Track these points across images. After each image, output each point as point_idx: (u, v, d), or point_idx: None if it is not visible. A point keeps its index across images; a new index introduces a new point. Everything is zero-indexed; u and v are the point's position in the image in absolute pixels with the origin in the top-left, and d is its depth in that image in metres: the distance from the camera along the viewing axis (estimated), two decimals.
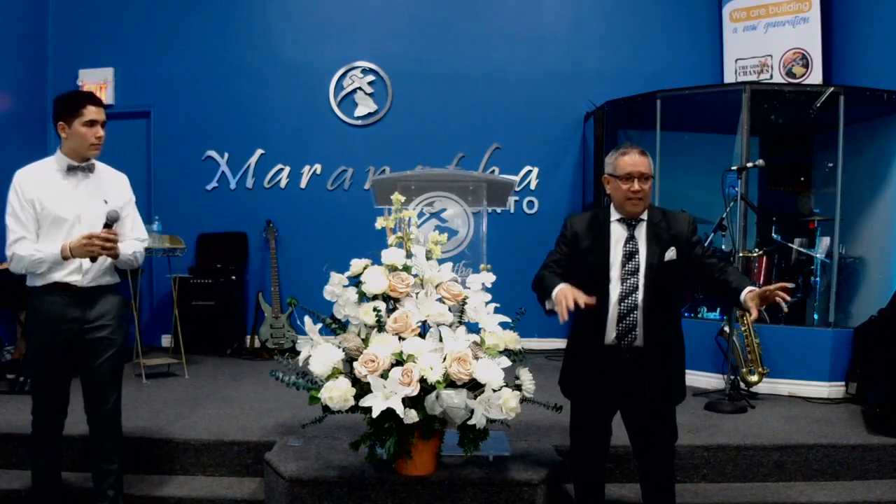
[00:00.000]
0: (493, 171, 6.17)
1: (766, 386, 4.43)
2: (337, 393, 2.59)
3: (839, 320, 4.85)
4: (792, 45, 5.88)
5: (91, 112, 2.70)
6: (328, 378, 2.65)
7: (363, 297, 2.78)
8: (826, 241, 5.24)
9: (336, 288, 2.82)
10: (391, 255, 2.80)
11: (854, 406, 4.22)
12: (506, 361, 2.71)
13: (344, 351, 2.70)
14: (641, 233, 2.63)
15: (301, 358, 2.76)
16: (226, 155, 6.20)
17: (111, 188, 2.83)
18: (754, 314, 2.48)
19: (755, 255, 5.11)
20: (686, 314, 5.24)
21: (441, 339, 2.66)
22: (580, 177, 6.32)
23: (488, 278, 2.87)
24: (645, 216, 2.65)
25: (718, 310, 5.22)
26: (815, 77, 5.79)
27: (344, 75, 6.24)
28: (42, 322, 2.70)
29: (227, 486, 3.21)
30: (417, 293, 2.79)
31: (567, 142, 6.34)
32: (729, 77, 6.14)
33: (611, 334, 2.58)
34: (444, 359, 2.61)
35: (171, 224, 5.58)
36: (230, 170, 6.19)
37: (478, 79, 6.23)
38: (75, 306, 2.71)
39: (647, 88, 5.29)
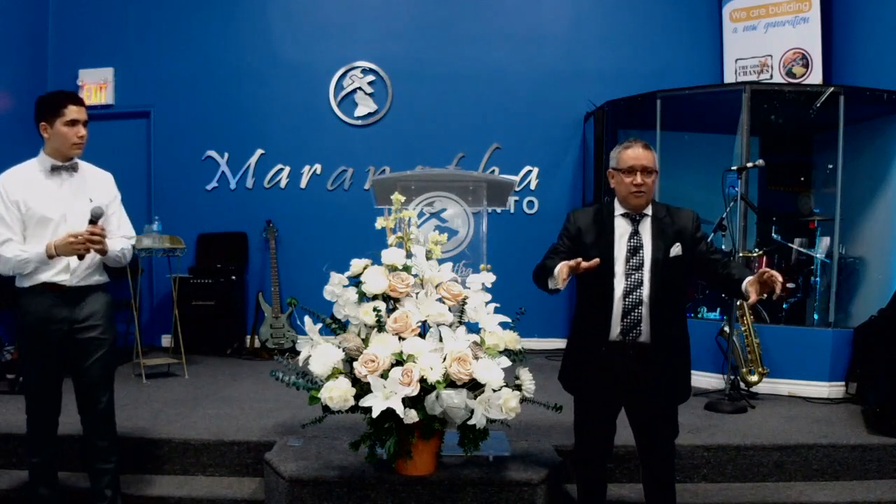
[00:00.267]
0: (493, 171, 6.17)
1: (766, 386, 4.43)
2: (337, 393, 2.59)
3: (839, 320, 4.85)
4: (792, 45, 5.88)
5: (72, 111, 2.69)
6: (328, 378, 2.65)
7: (363, 297, 2.78)
8: (826, 241, 5.24)
9: (336, 288, 2.82)
10: (391, 255, 2.80)
11: (854, 406, 4.22)
12: (506, 361, 2.72)
13: (344, 351, 2.70)
14: (646, 228, 2.63)
15: (301, 358, 2.76)
16: (226, 155, 6.20)
17: (96, 187, 2.82)
18: (753, 297, 2.45)
19: (755, 255, 5.11)
20: (686, 314, 5.23)
21: (441, 339, 2.66)
22: (580, 177, 6.32)
23: (488, 278, 2.87)
24: (649, 211, 2.66)
25: (718, 310, 5.23)
26: (815, 77, 5.79)
27: (344, 75, 6.24)
28: (31, 323, 2.70)
29: (227, 486, 3.21)
30: (417, 293, 2.79)
31: (567, 142, 6.34)
32: (729, 77, 6.14)
33: (615, 330, 2.58)
34: (444, 359, 2.61)
35: (171, 224, 5.58)
36: (230, 170, 6.19)
37: (478, 79, 6.23)
38: (64, 306, 2.71)
39: (647, 88, 5.29)
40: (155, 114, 6.20)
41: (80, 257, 2.67)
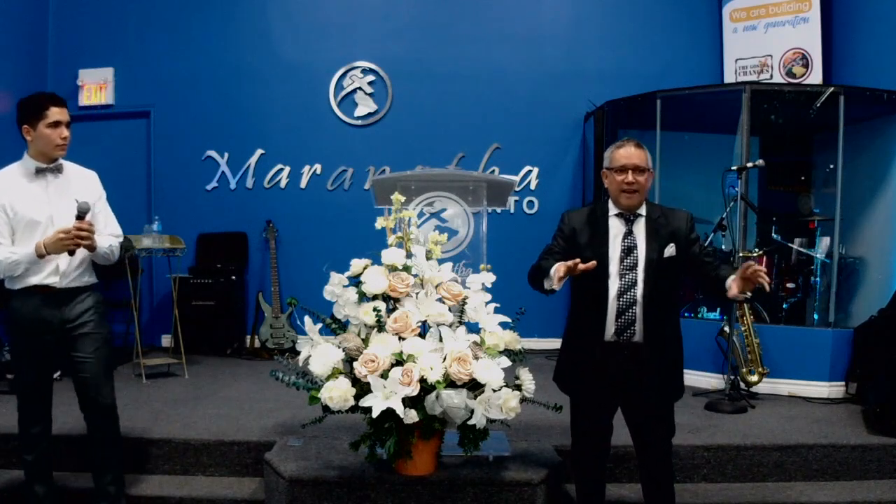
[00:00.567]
0: (493, 171, 6.17)
1: (766, 386, 4.43)
2: (337, 393, 2.59)
3: (839, 320, 4.85)
4: (792, 45, 5.88)
5: (55, 113, 2.68)
6: (328, 378, 2.65)
7: (363, 297, 2.78)
8: (826, 241, 5.24)
9: (336, 288, 2.82)
10: (391, 255, 2.80)
11: (854, 406, 4.22)
12: (506, 361, 2.72)
13: (344, 351, 2.70)
14: (640, 228, 2.63)
15: (301, 358, 2.76)
16: (226, 155, 6.20)
17: (81, 186, 2.82)
18: (733, 290, 2.45)
19: (755, 255, 5.10)
20: (686, 314, 5.24)
21: (441, 339, 2.66)
22: (580, 177, 6.32)
23: (488, 278, 2.87)
24: (643, 211, 2.66)
25: (718, 310, 5.23)
26: (815, 77, 5.79)
27: (344, 75, 6.24)
28: (21, 325, 2.72)
29: (227, 486, 3.21)
30: (417, 293, 2.79)
31: (567, 142, 6.34)
32: (729, 77, 6.14)
33: (610, 330, 2.58)
34: (444, 359, 2.61)
35: (171, 224, 5.57)
36: (230, 170, 6.19)
37: (478, 79, 6.23)
38: (54, 308, 2.72)
39: (647, 88, 5.29)
40: (155, 114, 6.20)
41: (71, 253, 2.68)
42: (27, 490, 2.83)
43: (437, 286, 2.80)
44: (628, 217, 2.64)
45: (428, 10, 6.29)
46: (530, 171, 6.29)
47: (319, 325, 2.80)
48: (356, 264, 2.85)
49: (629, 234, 2.62)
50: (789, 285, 5.33)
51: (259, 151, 6.18)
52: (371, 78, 6.26)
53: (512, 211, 6.25)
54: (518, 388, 2.77)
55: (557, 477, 3.04)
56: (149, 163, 6.22)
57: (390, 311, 2.76)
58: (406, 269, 2.80)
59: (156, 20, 6.18)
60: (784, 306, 5.29)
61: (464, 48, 6.24)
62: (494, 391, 2.61)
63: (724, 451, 3.39)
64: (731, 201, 4.55)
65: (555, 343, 5.80)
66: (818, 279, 5.27)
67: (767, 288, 2.40)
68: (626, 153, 2.60)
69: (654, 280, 2.56)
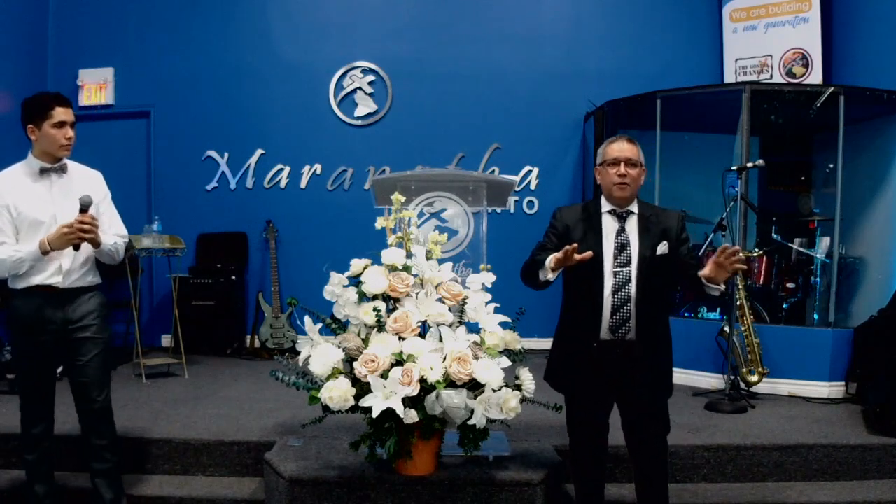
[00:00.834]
0: (493, 171, 6.17)
1: (766, 386, 4.43)
2: (337, 393, 2.59)
3: (839, 320, 4.85)
4: (792, 45, 5.88)
5: (60, 113, 2.68)
6: (328, 378, 2.65)
7: (363, 297, 2.78)
8: (826, 241, 5.24)
9: (336, 288, 2.82)
10: (391, 255, 2.80)
11: (854, 406, 4.22)
12: (506, 361, 2.72)
13: (344, 351, 2.70)
14: (633, 225, 2.65)
15: (301, 358, 2.76)
16: (226, 155, 6.20)
17: (86, 187, 2.81)
18: (704, 271, 2.48)
19: (755, 255, 5.11)
20: (686, 314, 5.24)
21: (441, 339, 2.66)
22: (580, 177, 6.31)
23: (488, 278, 2.87)
24: (635, 209, 2.68)
25: (718, 310, 5.23)
26: (815, 77, 5.79)
27: (344, 75, 6.24)
28: (23, 325, 2.71)
29: (227, 486, 3.21)
30: (417, 293, 2.79)
31: (567, 142, 6.34)
32: (729, 77, 6.14)
33: (605, 327, 2.59)
34: (444, 359, 2.61)
35: (171, 224, 5.58)
36: (230, 170, 6.19)
37: (478, 79, 6.23)
38: (57, 308, 2.71)
39: (647, 88, 5.29)
40: (155, 114, 6.20)
41: (76, 248, 2.67)
42: (28, 490, 2.83)
43: (437, 286, 2.80)
44: (621, 214, 2.66)
45: (428, 10, 6.29)
46: (530, 171, 6.29)
47: (319, 325, 2.80)
48: (356, 264, 2.85)
49: (622, 231, 2.63)
50: (789, 285, 5.33)
51: (259, 151, 6.18)
52: (371, 78, 6.26)
53: (512, 211, 6.25)
54: (518, 388, 2.77)
55: (557, 477, 3.04)
56: (149, 163, 6.22)
57: (390, 311, 2.76)
58: (406, 269, 2.80)
59: (156, 20, 6.18)
60: (784, 306, 5.29)
61: (464, 48, 6.24)
62: (494, 391, 2.61)
63: (724, 451, 3.39)
64: (731, 201, 4.55)
65: None
66: (818, 279, 5.27)
67: (741, 275, 2.40)
68: (619, 147, 2.65)
69: (648, 277, 2.58)
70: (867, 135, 5.25)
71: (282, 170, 6.19)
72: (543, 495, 2.84)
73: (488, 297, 2.85)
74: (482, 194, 3.38)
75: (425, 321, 2.75)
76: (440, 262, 2.90)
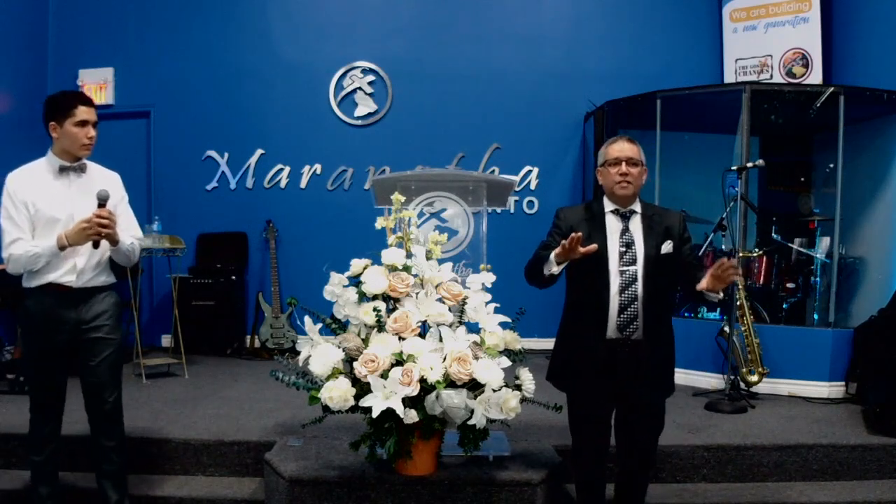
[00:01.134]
0: (493, 171, 6.17)
1: (766, 386, 4.43)
2: (337, 393, 2.59)
3: (839, 320, 4.85)
4: (792, 45, 5.89)
5: (82, 112, 2.69)
6: (328, 378, 2.65)
7: (363, 297, 2.78)
8: (826, 241, 5.24)
9: (336, 288, 2.82)
10: (391, 255, 2.80)
11: (854, 406, 4.22)
12: (506, 361, 2.72)
13: (344, 351, 2.70)
14: (636, 225, 2.67)
15: (301, 358, 2.76)
16: (226, 155, 6.20)
17: (104, 187, 2.81)
18: (702, 284, 2.52)
19: (755, 255, 5.11)
20: (686, 314, 5.24)
21: (441, 339, 2.66)
22: (580, 177, 6.32)
23: (488, 278, 2.87)
24: (638, 208, 2.69)
25: (718, 310, 5.23)
26: (815, 77, 5.79)
27: (344, 75, 6.24)
28: (36, 323, 2.70)
29: (227, 486, 3.21)
30: (417, 293, 2.79)
31: (567, 142, 6.34)
32: (729, 77, 6.14)
33: (612, 326, 2.60)
34: (444, 359, 2.60)
35: (171, 224, 5.58)
36: (230, 170, 6.19)
37: (478, 79, 6.23)
38: (70, 307, 2.71)
39: (647, 88, 5.29)
40: (155, 114, 6.20)
41: (95, 245, 2.67)
42: (31, 490, 2.82)
43: (437, 286, 2.80)
44: (624, 214, 2.67)
45: (428, 10, 6.29)
46: (530, 171, 6.29)
47: (319, 325, 2.80)
48: (356, 264, 2.85)
49: (626, 230, 2.65)
50: (789, 285, 5.33)
51: (259, 151, 6.18)
52: (371, 78, 6.26)
53: (512, 211, 6.25)
54: (518, 388, 2.77)
55: (557, 477, 3.04)
56: (149, 163, 6.22)
57: (390, 311, 2.76)
58: (406, 269, 2.80)
59: (156, 20, 6.19)
60: (784, 306, 5.29)
61: (464, 48, 6.24)
62: (494, 391, 2.61)
63: (724, 451, 3.39)
64: (731, 201, 4.55)
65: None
66: (818, 279, 5.27)
67: (739, 280, 2.43)
68: (619, 147, 2.67)
69: (653, 276, 2.60)
70: (867, 135, 5.25)
71: (282, 170, 6.19)
72: (543, 495, 2.84)
73: (488, 297, 2.85)
74: (482, 194, 3.38)
75: (425, 321, 2.75)
76: (440, 262, 2.89)
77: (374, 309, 2.72)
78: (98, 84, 6.12)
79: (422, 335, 2.71)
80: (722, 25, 6.23)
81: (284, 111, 6.21)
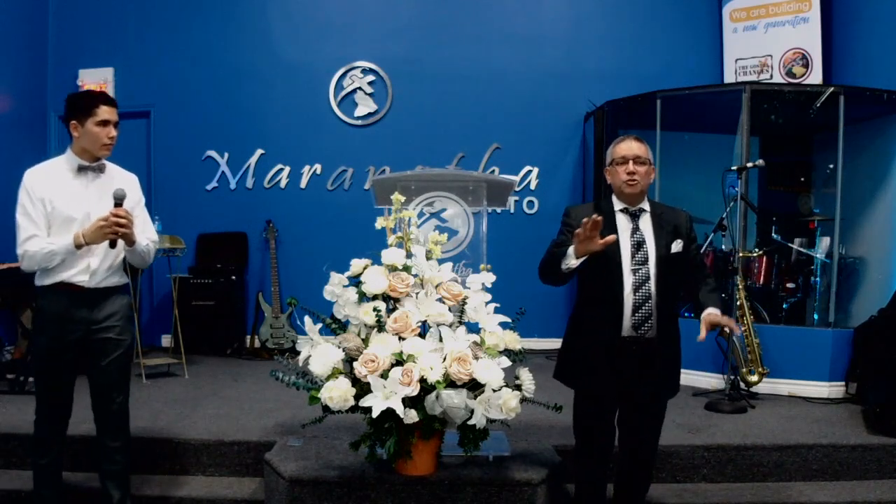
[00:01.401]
0: (493, 171, 6.17)
1: (766, 386, 4.43)
2: (337, 393, 2.59)
3: (839, 320, 4.85)
4: (792, 45, 5.89)
5: (104, 112, 2.68)
6: (328, 378, 2.65)
7: (363, 297, 2.78)
8: (826, 241, 5.24)
9: (336, 288, 2.82)
10: (391, 255, 2.80)
11: (854, 406, 4.22)
12: (506, 361, 2.72)
13: (344, 351, 2.70)
14: (646, 224, 2.68)
15: (301, 358, 2.76)
16: (226, 155, 6.20)
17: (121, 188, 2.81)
18: (702, 335, 2.59)
19: (755, 255, 5.11)
20: (686, 314, 5.24)
21: (441, 339, 2.66)
22: (580, 177, 6.32)
23: (488, 278, 2.87)
24: (647, 207, 2.71)
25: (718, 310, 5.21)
26: (815, 77, 5.79)
27: (344, 75, 6.24)
28: (49, 322, 2.69)
29: (227, 486, 3.21)
30: (417, 293, 2.79)
31: (567, 142, 6.34)
32: (729, 77, 6.14)
33: (626, 325, 2.60)
34: (444, 359, 2.60)
35: (171, 224, 5.58)
36: (230, 170, 6.19)
37: (478, 79, 6.23)
38: (82, 307, 2.70)
39: (647, 88, 5.29)
40: (155, 114, 6.20)
41: (112, 245, 2.66)
42: (33, 492, 2.81)
43: (437, 286, 2.80)
44: (634, 213, 2.69)
45: (428, 10, 6.29)
46: (530, 171, 6.29)
47: (319, 325, 2.80)
48: (356, 264, 2.85)
49: (637, 229, 2.66)
50: (789, 285, 5.33)
51: (259, 151, 6.19)
52: (371, 78, 6.26)
53: (512, 211, 6.25)
54: (518, 388, 2.77)
55: (557, 477, 3.04)
56: (149, 163, 6.22)
57: (390, 311, 2.76)
58: (406, 269, 2.80)
59: (156, 20, 6.19)
60: (784, 306, 5.29)
61: (464, 48, 6.24)
62: (494, 391, 2.61)
63: (724, 451, 3.39)
64: (731, 201, 4.56)
65: (555, 343, 5.80)
66: (818, 279, 5.27)
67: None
68: (627, 146, 2.69)
69: (665, 275, 2.62)
70: (867, 135, 5.25)
71: (282, 170, 6.19)
72: (543, 495, 2.84)
73: (488, 297, 2.85)
74: (482, 194, 3.38)
75: (425, 321, 2.74)
76: (440, 262, 2.89)
77: (374, 309, 2.72)
78: (98, 84, 6.11)
79: (422, 335, 2.71)
80: (722, 25, 6.23)
81: (284, 111, 6.21)
